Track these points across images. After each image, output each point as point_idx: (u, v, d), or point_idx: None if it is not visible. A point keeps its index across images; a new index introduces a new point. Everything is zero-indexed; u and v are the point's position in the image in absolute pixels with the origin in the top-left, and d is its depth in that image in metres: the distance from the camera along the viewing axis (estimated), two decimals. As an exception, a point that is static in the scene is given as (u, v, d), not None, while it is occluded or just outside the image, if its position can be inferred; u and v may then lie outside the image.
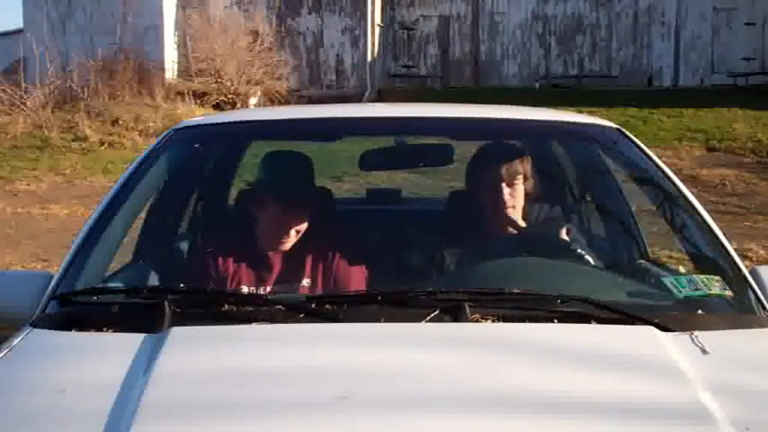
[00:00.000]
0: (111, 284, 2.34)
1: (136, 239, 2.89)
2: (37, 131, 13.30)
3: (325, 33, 17.28)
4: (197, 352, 1.76)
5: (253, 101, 15.53)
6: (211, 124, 3.06)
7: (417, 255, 2.58)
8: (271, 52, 15.89)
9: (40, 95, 13.87)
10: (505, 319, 1.86)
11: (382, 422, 1.48)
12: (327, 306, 1.95)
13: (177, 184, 2.93)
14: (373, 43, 17.18)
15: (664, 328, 1.83)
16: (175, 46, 16.43)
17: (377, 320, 1.85)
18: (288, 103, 15.52)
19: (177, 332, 1.80)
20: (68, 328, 1.91)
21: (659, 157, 2.67)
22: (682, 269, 2.90)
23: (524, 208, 2.63)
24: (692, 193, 2.50)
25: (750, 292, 2.08)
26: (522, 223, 2.61)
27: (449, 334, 1.82)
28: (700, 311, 1.99)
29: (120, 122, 13.56)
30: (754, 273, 2.16)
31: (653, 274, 2.60)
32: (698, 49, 16.80)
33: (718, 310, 2.05)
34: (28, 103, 13.74)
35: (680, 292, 2.05)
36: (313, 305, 1.96)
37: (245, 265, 2.48)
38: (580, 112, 3.91)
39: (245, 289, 2.42)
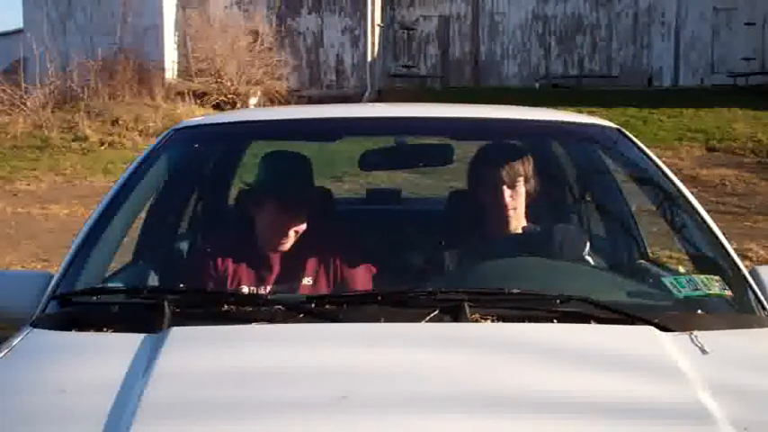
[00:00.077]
0: (111, 284, 2.34)
1: (136, 239, 2.89)
2: (37, 131, 13.30)
3: (325, 33, 17.28)
4: (197, 352, 1.76)
5: (253, 101, 15.53)
6: (211, 124, 3.06)
7: (417, 255, 2.58)
8: (271, 52, 15.89)
9: (40, 95, 13.87)
10: (505, 319, 1.86)
11: (382, 422, 1.48)
12: (327, 306, 1.95)
13: (177, 184, 2.93)
14: (373, 43, 17.17)
15: (663, 328, 1.83)
16: (175, 46, 16.43)
17: (377, 320, 1.85)
18: (288, 103, 15.51)
19: (177, 332, 1.80)
20: (68, 328, 1.91)
21: (659, 157, 2.67)
22: (681, 269, 2.90)
23: (526, 209, 2.62)
24: (692, 193, 2.51)
25: (750, 292, 2.09)
26: (524, 223, 2.61)
27: (449, 334, 1.82)
28: (699, 311, 1.99)
29: (120, 122, 13.56)
30: (753, 273, 2.17)
31: (653, 274, 2.60)
32: (698, 49, 16.81)
33: (718, 310, 2.06)
34: (28, 103, 13.74)
35: (680, 292, 2.05)
36: (313, 305, 1.96)
37: (244, 266, 2.48)
38: (580, 112, 3.91)
39: (244, 289, 2.42)
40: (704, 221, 2.31)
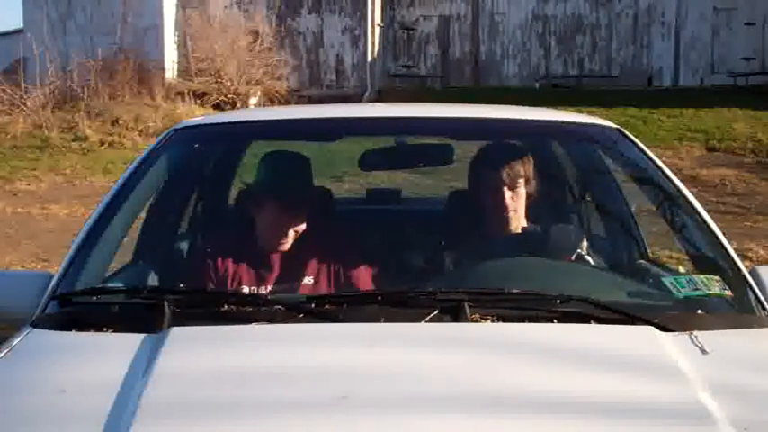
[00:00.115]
0: (110, 284, 2.34)
1: (136, 239, 2.89)
2: (37, 131, 13.30)
3: (325, 33, 17.27)
4: (197, 352, 1.76)
5: (253, 101, 15.53)
6: (211, 124, 3.06)
7: (417, 255, 2.58)
8: (271, 52, 15.88)
9: (40, 95, 13.87)
10: (505, 319, 1.86)
11: (382, 422, 1.48)
12: (327, 306, 1.95)
13: (177, 184, 2.94)
14: (373, 43, 17.17)
15: (663, 328, 1.83)
16: (175, 46, 16.42)
17: (377, 320, 1.85)
18: (288, 103, 15.51)
19: (177, 332, 1.80)
20: (68, 328, 1.91)
21: (659, 158, 2.67)
22: (681, 269, 2.90)
23: (526, 210, 2.62)
24: (692, 193, 2.51)
25: (750, 292, 2.09)
26: (524, 223, 2.60)
27: (449, 334, 1.82)
28: (699, 311, 2.00)
29: (120, 122, 13.56)
30: (753, 273, 2.17)
31: (653, 274, 2.60)
32: (698, 49, 16.80)
33: (718, 310, 2.06)
34: (28, 103, 13.73)
35: (679, 292, 2.06)
36: (313, 305, 1.96)
37: (244, 266, 2.48)
38: (580, 112, 3.91)
39: (244, 289, 2.42)
40: (704, 221, 2.31)
